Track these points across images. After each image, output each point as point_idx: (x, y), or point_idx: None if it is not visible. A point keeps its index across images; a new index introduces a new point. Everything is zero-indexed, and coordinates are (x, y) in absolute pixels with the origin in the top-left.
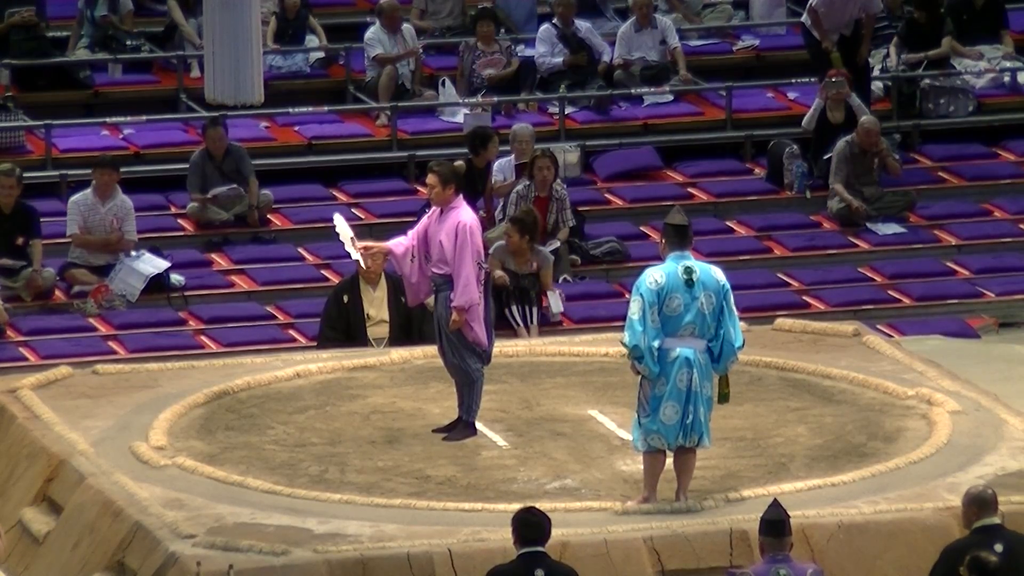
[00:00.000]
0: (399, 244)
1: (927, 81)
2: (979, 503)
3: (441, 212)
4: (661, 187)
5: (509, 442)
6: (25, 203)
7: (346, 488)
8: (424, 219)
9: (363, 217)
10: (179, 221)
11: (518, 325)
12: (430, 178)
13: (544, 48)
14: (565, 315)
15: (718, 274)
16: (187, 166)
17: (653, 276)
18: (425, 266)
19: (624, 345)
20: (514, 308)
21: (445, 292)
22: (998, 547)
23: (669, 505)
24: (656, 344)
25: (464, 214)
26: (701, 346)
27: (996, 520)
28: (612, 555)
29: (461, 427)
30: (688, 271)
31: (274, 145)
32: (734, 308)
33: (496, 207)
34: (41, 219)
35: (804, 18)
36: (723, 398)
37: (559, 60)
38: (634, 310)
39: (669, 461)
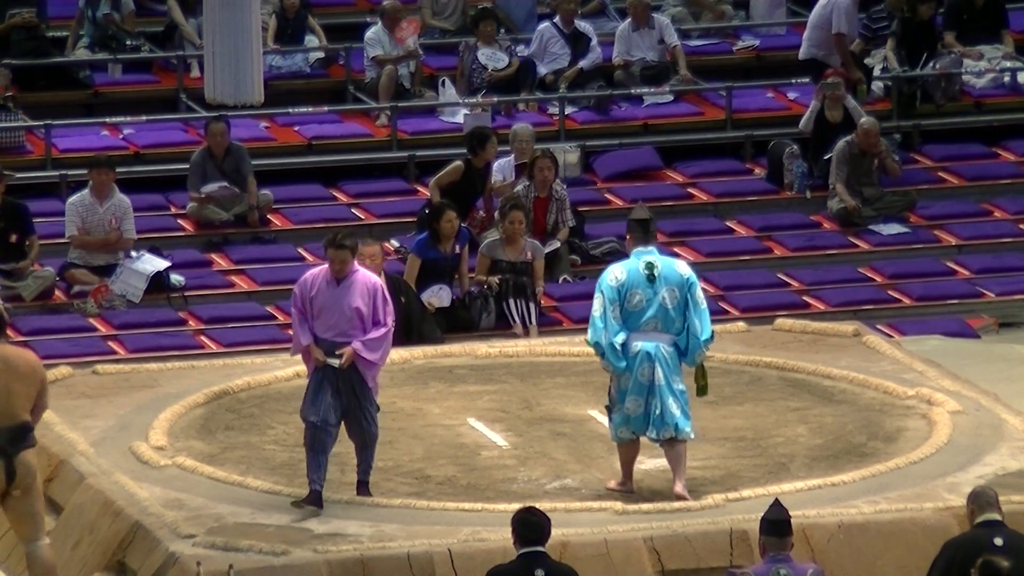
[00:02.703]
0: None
1: (931, 65)
2: (980, 500)
3: (338, 281)
4: (661, 187)
5: (509, 442)
6: (15, 201)
7: (346, 488)
8: (303, 295)
9: (363, 217)
10: (179, 221)
11: (514, 322)
12: (342, 253)
13: (536, 47)
14: (565, 315)
15: (682, 268)
16: (187, 166)
17: (614, 273)
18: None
19: (587, 342)
20: (511, 302)
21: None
22: (998, 541)
23: (669, 505)
24: (619, 340)
25: (369, 274)
26: (666, 340)
27: (997, 516)
28: (612, 555)
29: (366, 491)
30: (649, 266)
31: (274, 145)
32: (701, 301)
33: (496, 207)
34: (41, 219)
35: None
36: (701, 391)
37: (563, 63)
38: (596, 307)
39: (660, 461)
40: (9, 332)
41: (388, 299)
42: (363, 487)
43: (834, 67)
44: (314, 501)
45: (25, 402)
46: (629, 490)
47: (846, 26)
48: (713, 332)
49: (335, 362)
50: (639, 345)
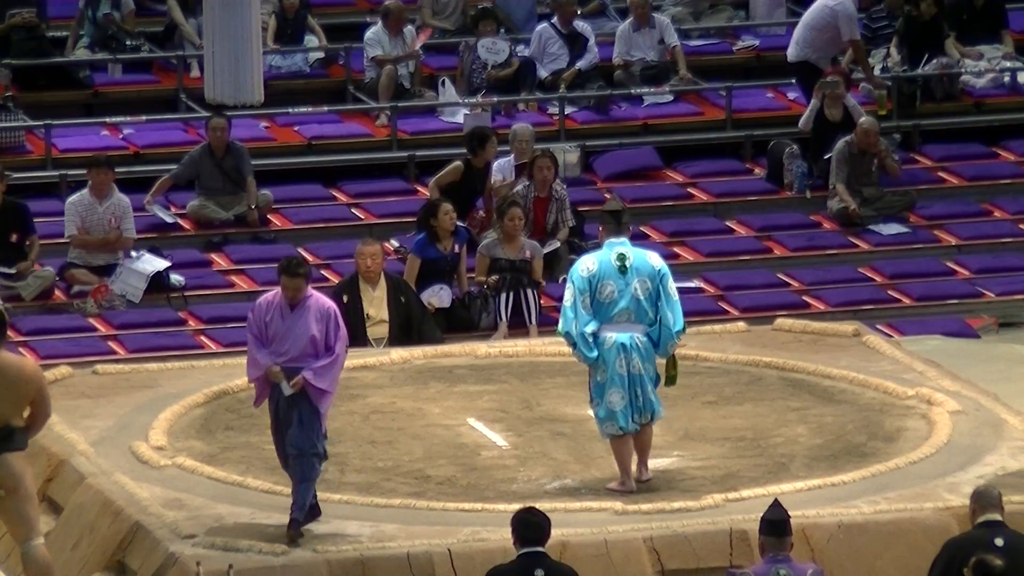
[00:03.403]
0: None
1: (933, 62)
2: (983, 499)
3: (292, 307)
4: (661, 187)
5: (509, 442)
6: (15, 201)
7: (346, 488)
8: (259, 319)
9: (363, 217)
10: (179, 221)
11: (500, 320)
12: (295, 281)
13: (535, 48)
14: None
15: (654, 259)
16: None
17: (585, 264)
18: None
19: (558, 332)
20: (502, 296)
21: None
22: (999, 541)
23: (669, 505)
24: (589, 330)
25: (323, 298)
26: (640, 330)
27: (998, 517)
28: (612, 555)
29: (295, 525)
30: (621, 257)
31: (274, 145)
32: (673, 293)
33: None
34: (41, 219)
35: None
36: (670, 380)
37: (562, 64)
38: (567, 297)
39: (660, 461)
40: (9, 333)
41: (340, 324)
42: (294, 525)
43: (833, 67)
44: (312, 514)
45: (9, 407)
46: (631, 489)
47: (857, 32)
48: (685, 324)
49: (286, 388)
50: (613, 337)
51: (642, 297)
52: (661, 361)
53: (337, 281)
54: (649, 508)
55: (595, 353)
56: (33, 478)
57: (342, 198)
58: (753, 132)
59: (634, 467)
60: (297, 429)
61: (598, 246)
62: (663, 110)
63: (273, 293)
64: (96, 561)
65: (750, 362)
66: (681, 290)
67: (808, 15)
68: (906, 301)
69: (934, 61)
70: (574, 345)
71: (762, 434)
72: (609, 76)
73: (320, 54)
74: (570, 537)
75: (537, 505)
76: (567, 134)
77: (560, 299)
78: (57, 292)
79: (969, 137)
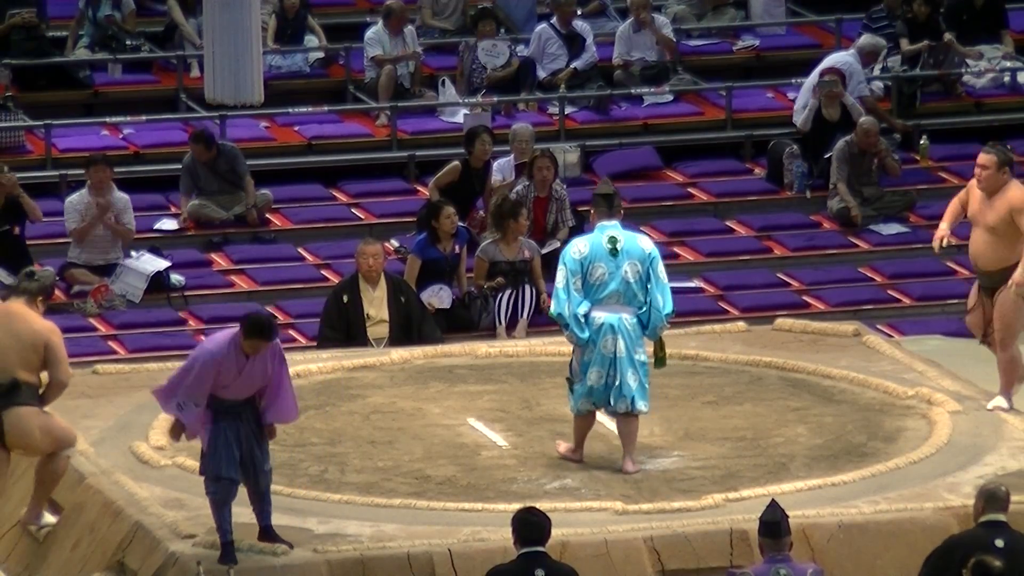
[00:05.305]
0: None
1: (930, 52)
2: (988, 498)
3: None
4: (661, 187)
5: (509, 442)
6: (16, 196)
7: (346, 488)
8: (213, 369)
9: (363, 217)
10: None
11: (500, 323)
12: (266, 345)
13: (535, 48)
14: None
15: (644, 243)
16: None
17: (577, 246)
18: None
19: (551, 314)
20: (502, 297)
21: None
22: (999, 542)
23: (669, 505)
24: (581, 311)
25: None
26: (629, 313)
27: (1002, 517)
28: (612, 555)
29: (274, 534)
30: (612, 240)
31: (274, 145)
32: (663, 276)
33: None
34: (41, 219)
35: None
36: (659, 362)
37: (561, 64)
38: (559, 279)
39: (661, 461)
40: (39, 305)
41: (282, 355)
42: (270, 532)
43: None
44: (230, 555)
45: (16, 360)
46: (579, 459)
47: (863, 86)
48: (674, 307)
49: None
50: (602, 317)
51: (632, 280)
52: (650, 350)
53: (337, 281)
54: (649, 508)
55: (587, 334)
56: (46, 425)
57: (342, 198)
58: (753, 132)
59: (628, 464)
60: (256, 446)
61: None
62: (663, 110)
63: (225, 342)
64: (96, 561)
65: (750, 362)
66: (681, 290)
67: (811, 80)
68: (906, 301)
69: (928, 51)
70: (566, 326)
71: (762, 434)
72: (609, 76)
73: (320, 54)
74: (570, 537)
75: (537, 505)
76: (567, 134)
77: None
78: (57, 292)
79: (969, 137)
